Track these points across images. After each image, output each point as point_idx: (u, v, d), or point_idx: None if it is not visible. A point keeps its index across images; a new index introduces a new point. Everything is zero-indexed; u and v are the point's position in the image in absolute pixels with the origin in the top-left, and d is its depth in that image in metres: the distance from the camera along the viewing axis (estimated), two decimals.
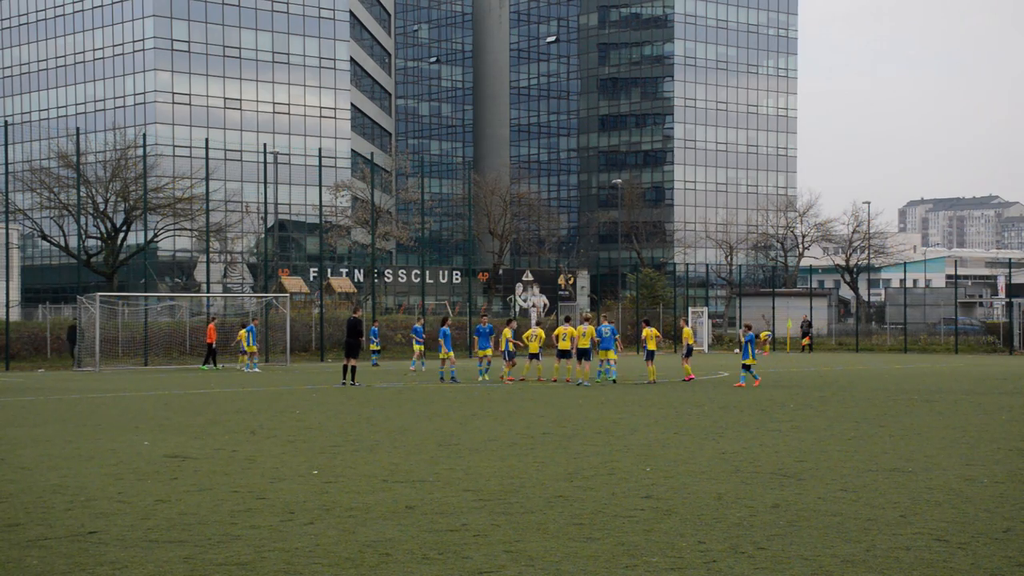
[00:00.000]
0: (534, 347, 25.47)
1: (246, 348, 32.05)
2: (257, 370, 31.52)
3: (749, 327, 25.07)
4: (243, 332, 32.31)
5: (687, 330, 27.55)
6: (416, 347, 30.89)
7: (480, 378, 25.69)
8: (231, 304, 49.09)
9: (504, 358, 26.00)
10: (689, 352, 26.58)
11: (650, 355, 25.45)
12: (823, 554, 7.09)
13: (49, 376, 30.24)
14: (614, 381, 24.63)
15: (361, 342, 24.67)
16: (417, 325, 31.75)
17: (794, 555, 7.06)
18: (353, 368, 23.96)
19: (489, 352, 25.96)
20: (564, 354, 24.69)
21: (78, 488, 9.77)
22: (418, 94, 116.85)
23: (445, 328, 26.13)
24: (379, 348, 35.63)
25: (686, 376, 25.69)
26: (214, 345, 32.76)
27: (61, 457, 11.95)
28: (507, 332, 26.22)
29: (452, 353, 25.78)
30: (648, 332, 25.85)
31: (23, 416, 17.28)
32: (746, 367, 23.58)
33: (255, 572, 6.69)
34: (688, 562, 6.90)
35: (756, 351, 24.34)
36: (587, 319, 25.68)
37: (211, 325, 33.31)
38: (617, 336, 25.70)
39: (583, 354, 24.15)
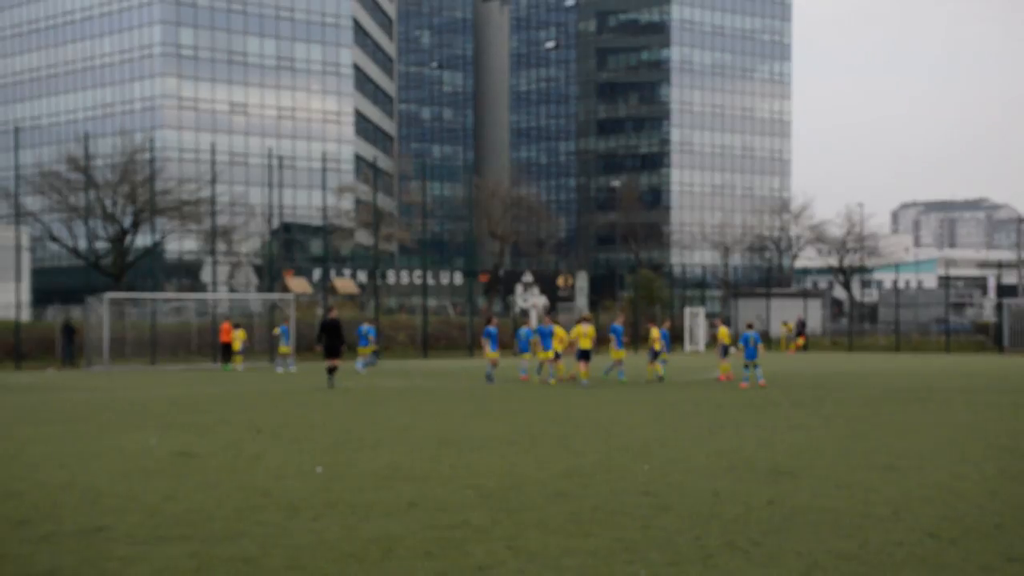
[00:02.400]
0: (586, 344, 24.62)
1: (280, 349, 31.67)
2: (293, 370, 31.03)
3: (750, 325, 25.11)
4: (276, 330, 32.46)
5: (724, 330, 27.02)
6: (361, 348, 29.95)
7: (548, 380, 24.82)
8: (236, 305, 49.21)
9: (577, 358, 24.96)
10: (725, 351, 26.42)
11: (654, 355, 25.60)
12: (817, 549, 7.14)
13: (58, 375, 30.31)
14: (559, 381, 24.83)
15: (342, 344, 23.76)
16: (366, 326, 30.51)
17: (789, 550, 7.12)
18: (334, 368, 23.19)
19: (551, 354, 24.97)
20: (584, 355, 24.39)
21: (87, 485, 9.83)
22: (420, 98, 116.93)
23: (491, 328, 25.61)
24: (377, 349, 35.65)
25: (722, 375, 25.77)
26: (231, 345, 32.86)
27: (70, 455, 12.02)
28: (581, 329, 25.04)
29: (497, 353, 25.33)
30: (655, 332, 25.95)
31: (33, 415, 17.33)
32: (754, 365, 23.57)
33: (260, 567, 6.73)
34: (685, 557, 6.95)
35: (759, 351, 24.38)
36: (586, 319, 25.60)
37: (225, 324, 33.44)
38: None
39: (583, 355, 24.08)
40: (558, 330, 25.67)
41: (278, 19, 79.43)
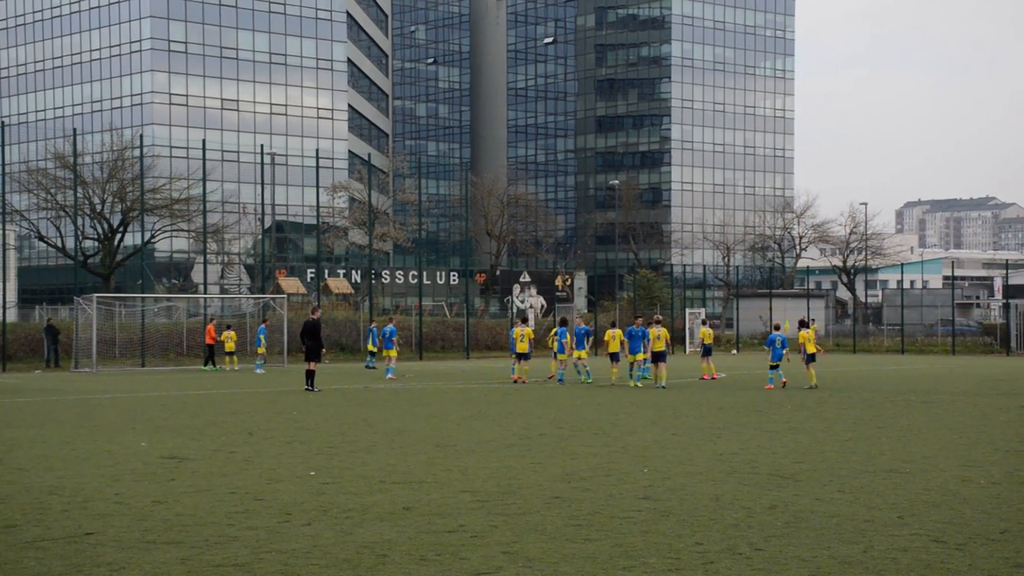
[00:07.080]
0: (523, 347, 25.35)
1: (258, 349, 32.07)
2: (260, 372, 31.45)
3: (777, 327, 24.97)
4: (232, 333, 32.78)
5: (704, 330, 28.24)
6: (388, 352, 29.02)
7: (647, 383, 24.50)
8: (228, 305, 49.09)
9: (653, 360, 24.66)
10: (708, 351, 27.09)
11: (811, 357, 25.57)
12: (820, 555, 7.09)
13: (46, 377, 30.23)
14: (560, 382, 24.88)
15: (321, 347, 23.41)
16: (389, 327, 29.65)
17: (791, 556, 7.07)
18: (311, 372, 22.68)
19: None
20: (614, 357, 24.69)
21: (75, 489, 9.76)
22: (415, 95, 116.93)
23: (582, 327, 25.54)
24: (375, 350, 35.51)
25: (704, 375, 26.47)
26: (220, 346, 32.92)
27: (58, 458, 11.94)
28: (662, 332, 24.88)
29: (585, 352, 25.26)
30: (808, 333, 26.00)
31: (20, 417, 17.26)
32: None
33: (252, 573, 6.69)
34: (685, 563, 6.90)
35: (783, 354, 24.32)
36: (659, 320, 25.42)
37: (210, 326, 33.43)
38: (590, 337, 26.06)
39: (659, 356, 24.08)
40: (526, 330, 26.07)
41: (270, 13, 79.28)
